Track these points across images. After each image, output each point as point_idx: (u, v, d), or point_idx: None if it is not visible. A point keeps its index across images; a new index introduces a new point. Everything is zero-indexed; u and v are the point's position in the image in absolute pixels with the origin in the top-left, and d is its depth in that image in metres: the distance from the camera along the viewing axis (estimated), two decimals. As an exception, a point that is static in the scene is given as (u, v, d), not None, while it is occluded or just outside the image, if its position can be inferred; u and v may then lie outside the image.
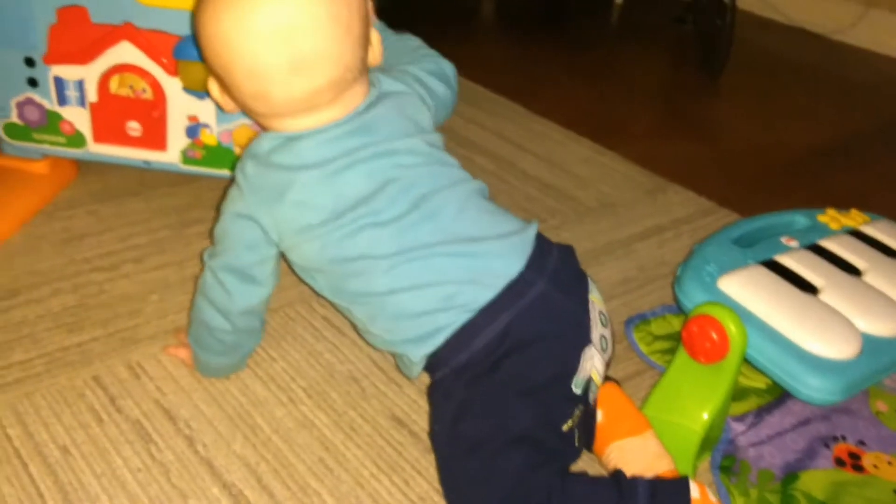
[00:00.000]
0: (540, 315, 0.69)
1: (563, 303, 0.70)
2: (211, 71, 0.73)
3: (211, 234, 0.76)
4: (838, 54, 2.04)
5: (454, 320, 0.68)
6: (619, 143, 1.39)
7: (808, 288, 0.81)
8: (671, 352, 0.88)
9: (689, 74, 1.80)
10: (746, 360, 0.77)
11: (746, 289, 0.80)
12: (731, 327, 0.75)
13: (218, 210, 0.76)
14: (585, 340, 0.70)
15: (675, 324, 0.93)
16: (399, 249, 0.69)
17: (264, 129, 0.75)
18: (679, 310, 0.88)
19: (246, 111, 0.74)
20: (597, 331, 0.71)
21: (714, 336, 0.76)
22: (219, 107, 0.81)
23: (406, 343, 0.71)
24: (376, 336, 0.73)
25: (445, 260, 0.69)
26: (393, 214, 0.70)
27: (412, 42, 0.88)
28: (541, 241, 0.73)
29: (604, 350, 0.72)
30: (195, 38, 0.72)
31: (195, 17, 0.70)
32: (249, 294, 0.75)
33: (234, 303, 0.75)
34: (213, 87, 0.75)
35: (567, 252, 0.75)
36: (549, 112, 1.49)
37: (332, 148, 0.71)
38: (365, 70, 0.72)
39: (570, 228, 1.13)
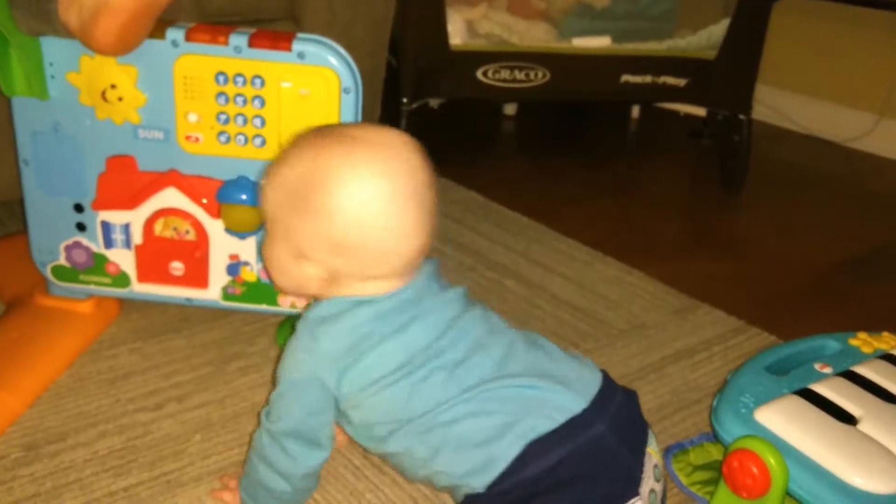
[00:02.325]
0: (592, 457, 0.70)
1: (618, 450, 0.71)
2: (321, 247, 0.74)
3: (267, 400, 0.78)
4: (855, 162, 2.08)
5: (510, 449, 0.70)
6: (644, 261, 1.42)
7: (846, 418, 0.82)
8: (711, 482, 0.88)
9: (709, 189, 1.84)
10: (789, 495, 0.77)
11: (784, 421, 0.81)
12: (772, 462, 0.75)
13: (275, 375, 0.78)
14: (633, 493, 0.70)
15: (713, 453, 0.93)
16: (462, 389, 0.72)
17: (323, 295, 0.78)
18: (717, 438, 0.88)
19: (329, 278, 0.76)
20: (648, 484, 0.71)
21: (755, 471, 0.76)
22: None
23: (468, 475, 0.72)
24: (440, 473, 0.73)
25: (506, 391, 0.72)
26: (455, 357, 0.74)
27: None
28: (607, 382, 0.76)
29: None
30: (316, 217, 0.73)
31: (324, 198, 0.72)
32: (313, 457, 0.76)
33: (298, 467, 0.76)
34: (310, 269, 0.76)
35: (631, 398, 0.77)
36: (574, 231, 1.52)
37: (402, 311, 0.75)
38: None
39: (604, 353, 1.14)
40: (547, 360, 0.76)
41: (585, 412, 0.71)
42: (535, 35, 1.68)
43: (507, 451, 0.70)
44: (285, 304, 1.07)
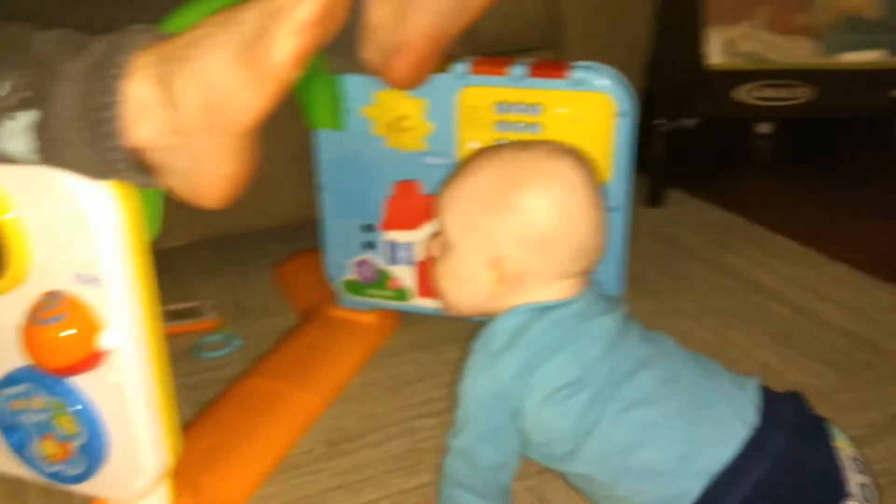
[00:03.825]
0: (784, 476, 0.67)
1: (808, 456, 0.68)
2: (518, 243, 0.77)
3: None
4: None
5: (694, 483, 0.67)
6: (927, 287, 1.32)
7: None
8: None
9: None
10: None
11: None
12: None
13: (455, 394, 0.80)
14: (840, 496, 0.66)
15: None
16: (632, 401, 0.71)
17: (499, 308, 0.80)
18: None
19: (524, 282, 0.79)
20: (855, 480, 0.67)
21: None
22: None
23: None
24: (627, 500, 0.72)
25: (678, 415, 0.70)
26: (623, 374, 0.73)
27: None
28: (767, 392, 0.73)
29: (868, 501, 0.67)
30: (509, 229, 0.78)
31: (525, 191, 0.78)
32: (502, 471, 0.78)
33: (491, 481, 0.77)
34: (499, 272, 0.79)
35: (797, 398, 0.74)
36: (842, 254, 1.44)
37: (576, 320, 0.77)
38: None
39: (888, 384, 1.08)
40: (713, 380, 0.73)
41: (759, 429, 0.68)
42: (797, 51, 1.62)
43: (691, 485, 0.67)
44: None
